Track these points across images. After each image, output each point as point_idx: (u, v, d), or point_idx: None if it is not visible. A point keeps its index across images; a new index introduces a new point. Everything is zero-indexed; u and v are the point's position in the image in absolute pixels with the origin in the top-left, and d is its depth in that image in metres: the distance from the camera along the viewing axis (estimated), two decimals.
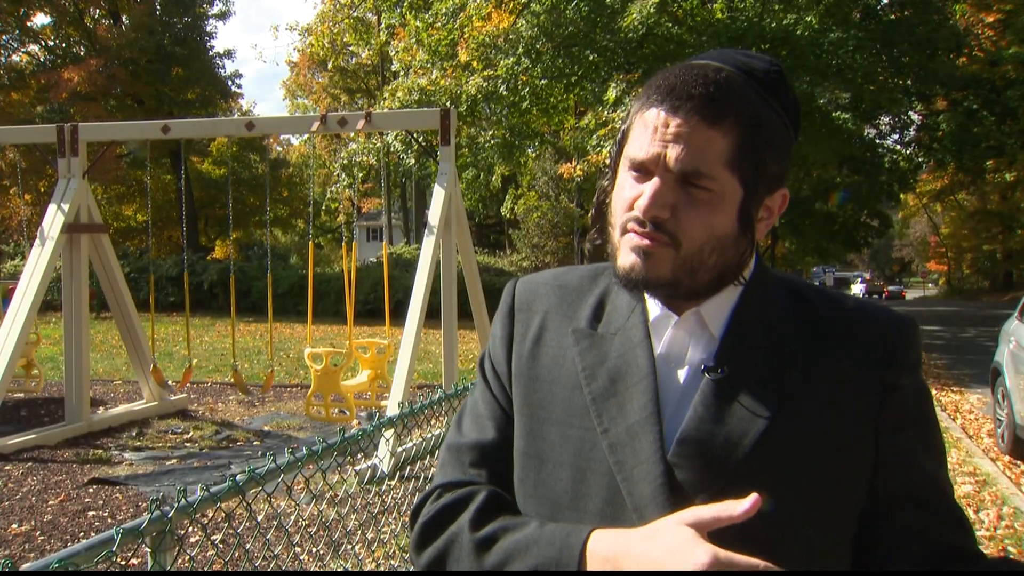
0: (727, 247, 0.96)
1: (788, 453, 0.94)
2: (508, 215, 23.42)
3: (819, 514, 0.94)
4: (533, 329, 1.10)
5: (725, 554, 0.82)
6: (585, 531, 0.92)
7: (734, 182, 0.95)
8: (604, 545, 0.90)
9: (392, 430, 3.11)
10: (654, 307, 1.03)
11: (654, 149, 0.95)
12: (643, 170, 0.97)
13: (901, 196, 23.82)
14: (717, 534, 0.91)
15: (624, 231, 0.98)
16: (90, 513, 5.58)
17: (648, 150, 0.95)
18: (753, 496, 0.84)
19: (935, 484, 1.00)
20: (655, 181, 0.95)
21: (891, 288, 56.40)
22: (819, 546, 0.94)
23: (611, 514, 0.95)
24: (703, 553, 0.82)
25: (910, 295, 53.91)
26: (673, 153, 0.94)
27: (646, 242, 0.96)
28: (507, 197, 22.70)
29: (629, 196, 0.98)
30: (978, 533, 4.75)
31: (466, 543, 0.99)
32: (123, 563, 4.28)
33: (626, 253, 0.98)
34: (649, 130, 0.96)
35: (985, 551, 1.06)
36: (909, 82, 16.29)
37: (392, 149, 16.27)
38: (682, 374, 1.00)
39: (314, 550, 3.87)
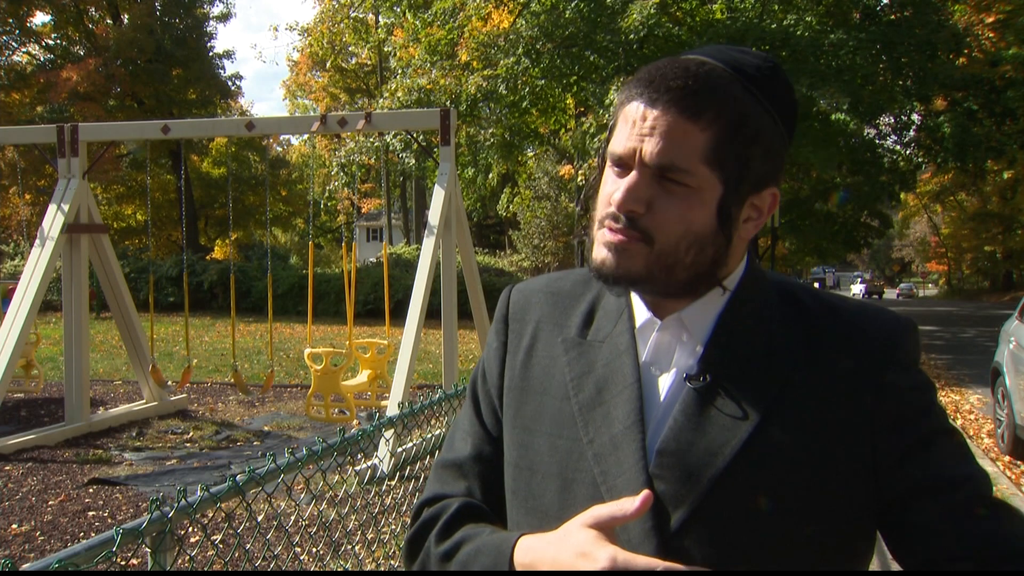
0: (706, 245, 0.94)
1: (773, 460, 0.92)
2: (504, 213, 23.43)
3: (811, 518, 0.92)
4: (526, 339, 1.09)
5: (624, 555, 0.85)
6: (513, 539, 0.96)
7: (712, 178, 0.93)
8: (523, 551, 0.94)
9: (392, 430, 3.11)
10: (641, 313, 1.02)
11: (631, 143, 0.94)
12: (622, 165, 0.96)
13: (901, 196, 23.79)
14: (701, 537, 0.90)
15: (601, 226, 0.97)
16: (90, 513, 5.58)
17: (626, 144, 0.94)
18: (645, 492, 0.86)
19: (954, 471, 0.94)
20: (632, 175, 0.94)
21: (902, 286, 55.53)
22: (815, 549, 0.93)
23: None
24: (604, 555, 0.85)
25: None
26: (649, 147, 0.92)
27: (618, 237, 0.94)
28: (503, 195, 22.72)
29: (609, 191, 0.97)
30: None
31: (433, 557, 1.04)
32: (123, 563, 4.28)
33: (599, 248, 0.97)
34: (628, 124, 0.95)
35: None
36: (909, 83, 16.29)
37: (391, 148, 16.28)
38: (668, 381, 0.98)
39: (314, 550, 3.87)
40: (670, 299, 0.99)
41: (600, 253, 0.97)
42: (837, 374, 0.95)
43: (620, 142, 0.95)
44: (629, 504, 0.86)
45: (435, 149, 8.15)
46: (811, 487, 0.92)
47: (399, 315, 7.66)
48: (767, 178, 0.97)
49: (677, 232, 0.93)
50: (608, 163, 0.99)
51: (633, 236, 0.94)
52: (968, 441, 1.01)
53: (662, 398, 0.98)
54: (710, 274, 0.97)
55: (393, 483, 4.64)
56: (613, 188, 0.96)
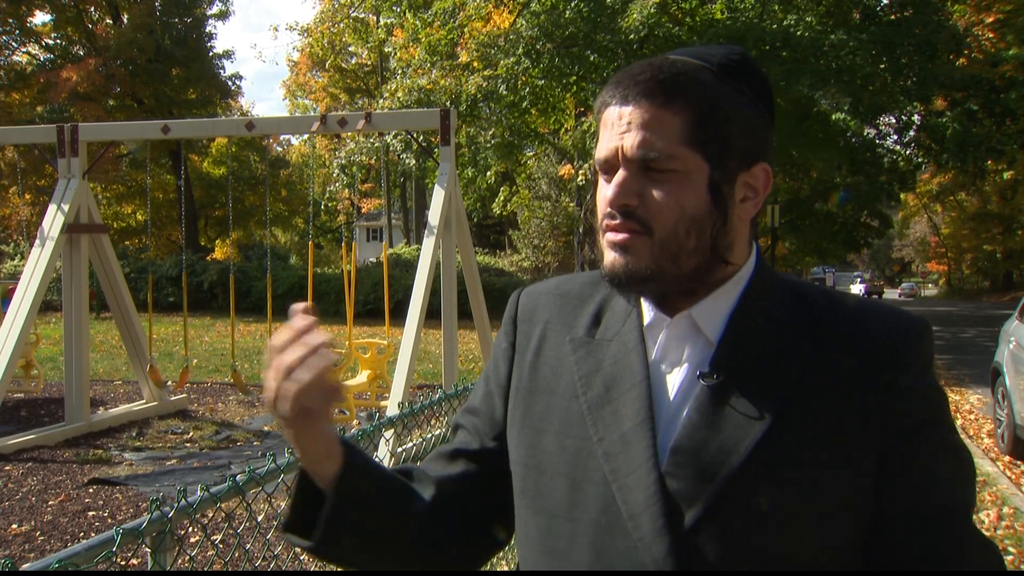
0: (704, 226, 0.95)
1: (785, 460, 0.91)
2: (501, 211, 23.43)
3: (823, 517, 0.92)
4: (534, 340, 1.10)
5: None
6: None
7: (697, 158, 0.94)
8: None
9: (392, 430, 3.11)
10: (648, 311, 1.02)
11: (612, 143, 0.96)
12: (609, 168, 0.97)
13: (901, 196, 23.80)
14: (714, 535, 0.90)
15: (603, 231, 0.98)
16: (90, 513, 5.58)
17: (607, 146, 0.96)
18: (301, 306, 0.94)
19: (945, 500, 0.94)
20: (620, 173, 0.96)
21: (903, 286, 55.20)
22: (826, 548, 0.92)
23: (606, 523, 0.94)
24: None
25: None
26: (628, 141, 0.94)
27: (621, 236, 0.96)
28: (500, 193, 22.69)
29: (602, 196, 0.98)
30: None
31: None
32: (123, 563, 4.28)
33: (606, 254, 0.98)
34: (608, 128, 0.97)
35: None
36: (910, 83, 16.28)
37: (391, 148, 16.29)
38: (678, 379, 0.98)
39: None
40: (681, 296, 0.99)
41: (608, 258, 0.98)
42: (847, 375, 0.94)
43: (603, 147, 0.98)
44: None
45: (435, 149, 8.15)
46: (823, 486, 0.92)
47: (399, 315, 7.66)
48: (754, 154, 0.98)
49: (673, 217, 0.94)
50: (599, 173, 1.01)
51: (633, 229, 0.95)
52: (972, 453, 1.00)
53: (671, 396, 0.97)
54: (716, 257, 0.97)
55: None
56: (605, 192, 0.98)
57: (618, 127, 0.95)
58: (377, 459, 5.05)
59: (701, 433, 0.93)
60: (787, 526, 0.91)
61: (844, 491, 0.92)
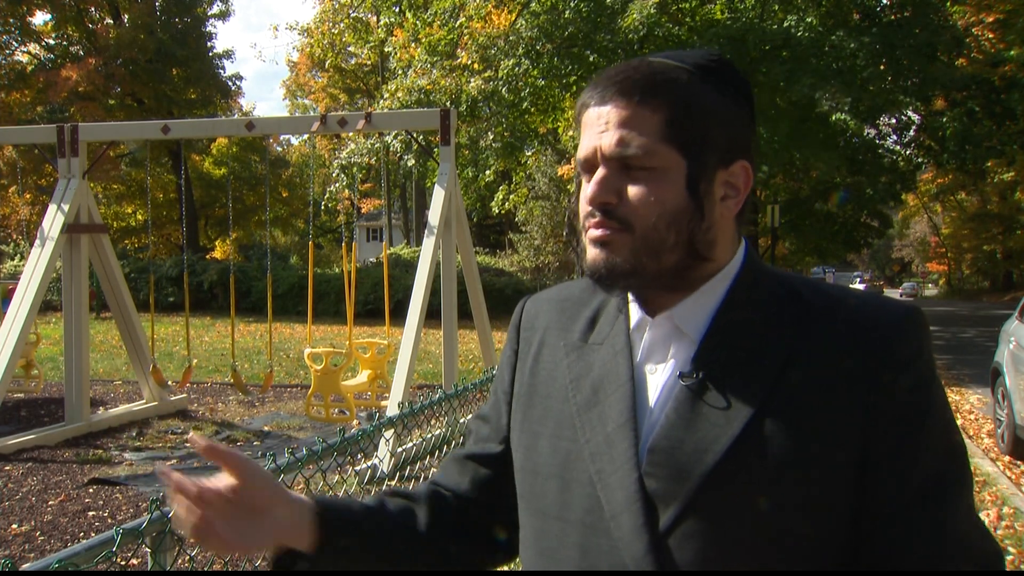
0: (684, 222, 0.96)
1: (764, 457, 0.90)
2: (500, 209, 23.51)
3: (804, 516, 0.91)
4: (534, 346, 1.12)
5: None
6: None
7: (675, 155, 0.95)
8: None
9: (392, 430, 3.11)
10: (635, 313, 1.03)
11: (591, 143, 0.97)
12: (589, 167, 0.99)
13: (902, 196, 23.81)
14: (692, 533, 0.90)
15: (585, 230, 0.99)
16: (90, 513, 5.58)
17: (587, 147, 0.98)
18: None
19: (939, 499, 0.93)
20: (599, 171, 0.97)
21: (905, 286, 54.95)
22: (807, 547, 0.91)
23: (591, 523, 0.95)
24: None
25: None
26: (606, 140, 0.95)
27: (600, 231, 0.97)
28: (499, 192, 22.70)
29: (583, 195, 0.99)
30: None
31: None
32: (123, 563, 4.28)
33: (589, 249, 0.99)
34: (587, 129, 0.98)
35: None
36: (910, 84, 16.27)
37: (392, 149, 16.28)
38: (662, 380, 0.98)
39: None
40: (663, 293, 0.99)
41: (590, 254, 0.99)
42: (835, 372, 0.93)
43: (583, 147, 0.99)
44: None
45: (435, 149, 8.16)
46: (803, 485, 0.91)
47: (399, 315, 7.66)
48: (733, 152, 0.98)
49: (653, 213, 0.95)
50: (581, 175, 1.01)
51: (613, 227, 0.96)
52: (966, 441, 0.99)
53: (656, 397, 0.98)
54: (695, 254, 0.97)
55: (393, 483, 4.64)
56: (587, 190, 0.99)
57: (596, 127, 0.97)
58: (377, 459, 5.02)
59: (678, 433, 0.93)
60: (766, 524, 0.90)
61: (828, 489, 0.91)
